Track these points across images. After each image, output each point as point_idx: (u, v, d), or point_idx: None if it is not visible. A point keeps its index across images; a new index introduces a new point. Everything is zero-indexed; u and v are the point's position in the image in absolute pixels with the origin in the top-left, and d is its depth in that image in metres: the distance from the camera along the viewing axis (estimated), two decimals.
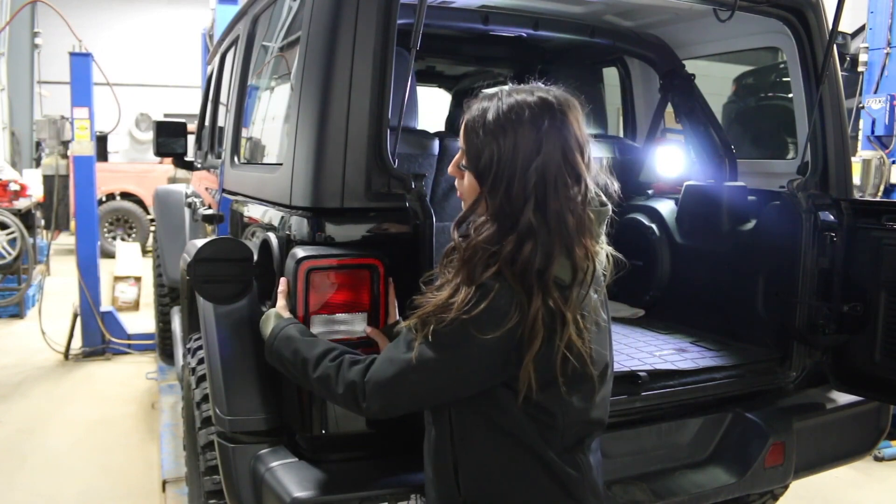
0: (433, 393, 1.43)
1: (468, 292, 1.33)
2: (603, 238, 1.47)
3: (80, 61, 5.62)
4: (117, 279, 7.65)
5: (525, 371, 1.33)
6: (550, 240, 1.34)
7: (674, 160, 3.29)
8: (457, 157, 1.48)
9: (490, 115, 1.39)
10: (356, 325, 1.75)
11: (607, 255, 1.47)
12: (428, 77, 4.41)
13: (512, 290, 1.32)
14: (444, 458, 1.47)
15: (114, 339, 5.76)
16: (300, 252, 1.73)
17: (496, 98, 1.41)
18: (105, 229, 11.04)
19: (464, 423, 1.44)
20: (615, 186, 1.50)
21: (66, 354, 5.71)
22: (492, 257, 1.35)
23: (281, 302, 1.73)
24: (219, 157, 3.16)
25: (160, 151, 4.44)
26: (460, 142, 1.47)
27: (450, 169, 1.51)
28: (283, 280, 1.76)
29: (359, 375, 1.45)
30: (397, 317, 1.77)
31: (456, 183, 1.51)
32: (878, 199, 4.48)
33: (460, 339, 1.33)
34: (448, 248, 1.45)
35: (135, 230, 11.36)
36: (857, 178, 4.40)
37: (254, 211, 2.28)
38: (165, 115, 10.74)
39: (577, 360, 1.36)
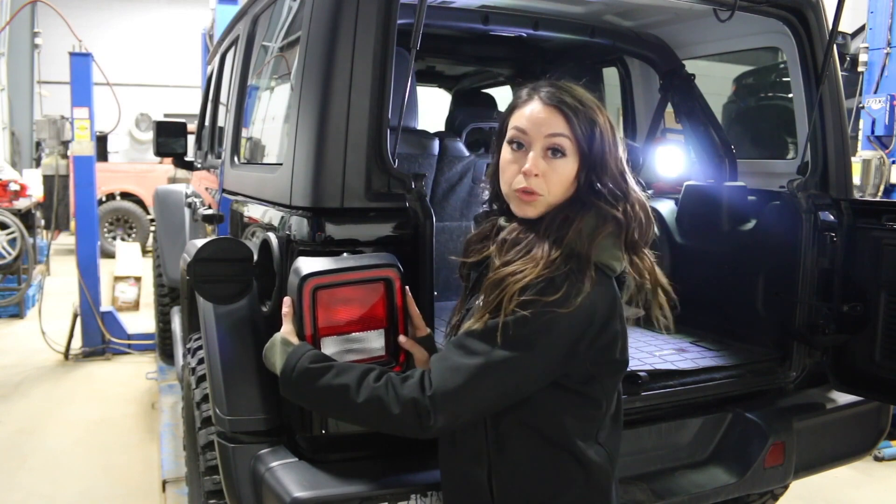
0: (502, 397, 1.36)
1: (547, 282, 1.32)
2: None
3: (80, 61, 5.62)
4: (117, 279, 7.65)
5: (584, 359, 1.36)
6: (620, 229, 1.41)
7: (674, 160, 3.29)
8: (549, 142, 1.40)
9: (585, 97, 1.44)
10: (373, 342, 1.63)
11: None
12: (428, 77, 4.42)
13: (576, 276, 1.33)
14: (478, 465, 1.44)
15: (114, 339, 5.76)
16: (304, 268, 1.60)
17: (570, 86, 1.45)
18: (105, 229, 11.04)
19: (501, 429, 1.41)
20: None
21: (66, 354, 5.71)
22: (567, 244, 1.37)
23: (287, 326, 1.56)
24: (219, 157, 3.16)
25: (160, 151, 4.45)
26: (556, 126, 1.40)
27: (534, 161, 1.40)
28: (286, 301, 1.59)
29: (417, 391, 1.34)
30: (426, 329, 1.67)
31: (537, 169, 1.40)
32: (878, 199, 4.48)
33: (541, 329, 1.31)
34: (507, 237, 1.43)
35: (135, 230, 11.36)
36: (857, 178, 4.40)
37: (254, 211, 2.28)
38: (165, 115, 10.75)
39: (623, 350, 1.43)
